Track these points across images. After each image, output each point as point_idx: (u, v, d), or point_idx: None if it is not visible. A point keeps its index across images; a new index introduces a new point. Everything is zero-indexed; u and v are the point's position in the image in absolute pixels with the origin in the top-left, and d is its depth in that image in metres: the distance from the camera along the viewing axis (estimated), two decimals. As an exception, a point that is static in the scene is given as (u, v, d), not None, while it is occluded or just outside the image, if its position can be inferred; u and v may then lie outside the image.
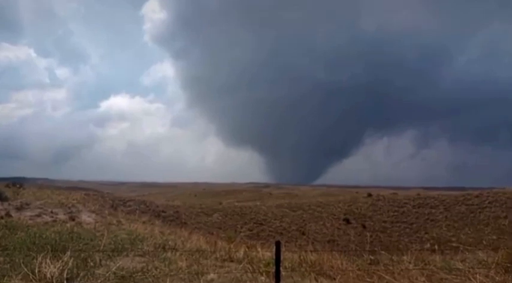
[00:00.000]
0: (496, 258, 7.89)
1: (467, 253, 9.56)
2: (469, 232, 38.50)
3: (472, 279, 6.66)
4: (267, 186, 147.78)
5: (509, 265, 7.25)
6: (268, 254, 8.27)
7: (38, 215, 14.93)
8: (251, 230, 38.50)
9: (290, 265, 7.70)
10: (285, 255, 8.29)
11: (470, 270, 7.12)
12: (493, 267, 7.33)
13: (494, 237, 35.01)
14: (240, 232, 35.95)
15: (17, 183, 28.81)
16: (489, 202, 44.39)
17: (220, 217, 40.48)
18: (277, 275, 5.33)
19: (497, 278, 6.69)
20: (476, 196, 46.99)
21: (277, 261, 5.45)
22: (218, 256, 8.62)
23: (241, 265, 7.78)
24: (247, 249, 9.29)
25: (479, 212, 42.97)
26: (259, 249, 9.25)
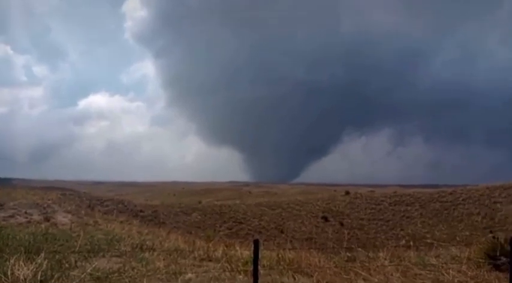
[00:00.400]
0: (468, 254, 8.13)
1: (441, 249, 9.82)
2: (443, 228, 39.48)
3: (445, 274, 6.85)
4: (246, 184, 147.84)
5: (481, 260, 7.48)
6: (247, 253, 8.29)
7: (12, 216, 14.55)
8: (230, 229, 38.51)
9: (268, 263, 7.74)
10: (263, 253, 8.32)
11: (444, 265, 7.32)
12: (465, 262, 7.56)
13: (468, 233, 35.99)
14: (219, 231, 35.92)
15: (-10, 183, 28.03)
16: (463, 200, 45.61)
17: (199, 217, 40.33)
18: (255, 273, 5.36)
19: (469, 273, 6.90)
20: (450, 194, 48.22)
21: (255, 260, 5.47)
22: (196, 255, 8.59)
23: (219, 265, 7.77)
24: (225, 248, 9.29)
25: (453, 209, 44.11)
26: (237, 248, 9.27)
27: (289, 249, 8.88)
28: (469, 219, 39.77)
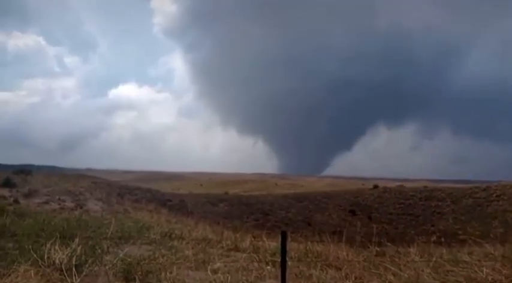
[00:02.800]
0: (503, 251, 7.85)
1: (474, 246, 9.53)
2: (476, 225, 38.34)
3: (478, 271, 6.63)
4: (273, 176, 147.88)
5: (516, 258, 7.21)
6: (274, 244, 8.29)
7: (46, 202, 15.11)
8: (257, 220, 38.67)
9: (296, 255, 7.72)
10: (290, 245, 8.30)
11: (477, 262, 7.08)
12: (499, 260, 7.30)
13: (502, 230, 34.83)
14: (246, 222, 36.12)
15: (25, 170, 29.06)
16: (497, 196, 44.14)
17: (226, 207, 40.67)
18: (283, 265, 5.34)
19: (504, 271, 6.65)
20: (484, 190, 46.74)
21: (283, 251, 5.45)
22: (224, 245, 8.66)
23: (247, 255, 7.81)
24: (253, 239, 9.33)
25: (487, 205, 42.77)
26: (265, 239, 9.28)
27: (317, 242, 8.83)
28: (503, 216, 38.42)
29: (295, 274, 6.54)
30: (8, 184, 19.07)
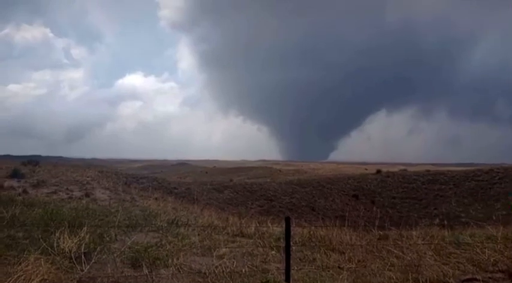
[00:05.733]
0: (505, 233, 7.95)
1: (476, 228, 9.63)
2: (478, 208, 38.45)
3: (480, 253, 6.74)
4: (277, 163, 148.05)
5: (518, 239, 7.31)
6: (279, 229, 8.42)
7: (54, 192, 15.29)
8: (261, 206, 38.91)
9: (300, 240, 7.85)
10: (295, 230, 8.44)
11: (479, 244, 7.19)
12: (501, 241, 7.40)
13: (504, 213, 34.91)
14: (251, 208, 36.36)
15: (33, 161, 29.30)
16: (499, 178, 44.07)
17: (231, 194, 40.91)
18: (288, 249, 5.46)
19: (505, 252, 6.76)
20: (486, 173, 46.64)
21: (287, 236, 5.57)
22: (230, 231, 8.81)
23: (252, 240, 7.96)
24: (258, 225, 9.46)
25: (489, 188, 42.75)
26: (269, 225, 9.42)
27: (321, 227, 8.96)
28: (506, 198, 38.42)
29: (299, 259, 6.68)
30: (16, 175, 19.28)
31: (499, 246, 7.09)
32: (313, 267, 6.18)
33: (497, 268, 6.05)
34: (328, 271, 5.96)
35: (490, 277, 5.55)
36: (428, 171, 54.21)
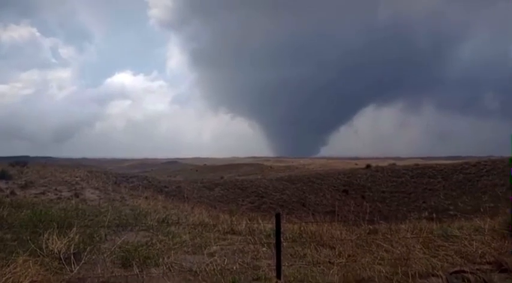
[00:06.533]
0: (492, 225, 8.06)
1: (464, 220, 9.76)
2: (466, 200, 38.98)
3: (468, 245, 6.83)
4: (267, 159, 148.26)
5: (505, 231, 7.41)
6: (269, 226, 8.44)
7: (43, 193, 15.13)
8: (252, 203, 38.96)
9: (291, 236, 7.89)
10: (285, 226, 8.47)
11: (467, 236, 7.29)
12: (489, 233, 7.51)
13: (492, 205, 35.38)
14: (242, 205, 36.40)
15: (21, 161, 28.91)
16: (487, 171, 44.73)
17: (221, 191, 40.90)
18: (278, 246, 5.48)
19: (493, 244, 6.86)
20: (474, 165, 47.32)
21: (278, 232, 5.59)
22: (220, 229, 8.81)
23: (243, 237, 7.97)
24: (248, 222, 9.47)
25: (477, 180, 43.37)
26: (260, 221, 9.44)
27: (311, 222, 9.00)
28: (493, 190, 39.00)
29: (290, 255, 6.71)
30: (4, 176, 19.01)
31: (486, 238, 7.19)
32: (304, 263, 6.21)
33: (484, 260, 6.13)
34: (319, 266, 6.00)
35: (478, 269, 5.62)
36: (417, 165, 54.81)
